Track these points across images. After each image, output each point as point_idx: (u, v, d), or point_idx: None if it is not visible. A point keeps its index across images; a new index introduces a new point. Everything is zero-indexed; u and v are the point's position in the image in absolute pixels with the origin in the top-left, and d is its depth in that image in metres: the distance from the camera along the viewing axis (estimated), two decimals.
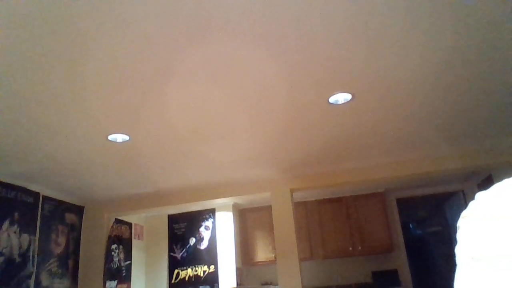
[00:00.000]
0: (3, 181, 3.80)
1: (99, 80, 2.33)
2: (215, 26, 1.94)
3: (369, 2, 1.86)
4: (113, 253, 5.19)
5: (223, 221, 5.84)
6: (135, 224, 5.95)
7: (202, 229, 5.88)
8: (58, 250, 4.48)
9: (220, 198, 5.03)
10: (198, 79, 2.43)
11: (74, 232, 4.84)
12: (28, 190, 4.10)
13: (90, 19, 1.82)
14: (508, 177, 0.54)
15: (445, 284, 6.75)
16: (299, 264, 4.54)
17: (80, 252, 4.88)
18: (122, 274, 5.35)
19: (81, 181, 4.25)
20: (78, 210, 4.96)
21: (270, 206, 4.91)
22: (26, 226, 4.01)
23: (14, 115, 2.66)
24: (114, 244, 5.25)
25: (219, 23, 1.92)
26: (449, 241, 6.90)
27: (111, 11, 1.78)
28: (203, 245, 5.80)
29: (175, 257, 5.89)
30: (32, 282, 4.00)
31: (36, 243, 4.13)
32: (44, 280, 4.20)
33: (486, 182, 5.47)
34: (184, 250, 5.87)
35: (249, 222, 6.12)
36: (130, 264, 5.61)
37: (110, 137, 3.16)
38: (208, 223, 5.87)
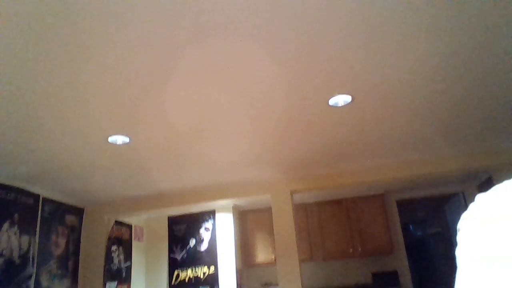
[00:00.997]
0: (3, 182, 3.79)
1: (99, 81, 2.33)
2: (215, 27, 1.95)
3: (369, 4, 1.86)
4: (113, 254, 5.18)
5: (223, 223, 5.83)
6: (135, 226, 5.94)
7: (202, 230, 5.88)
8: (58, 251, 4.48)
9: (220, 199, 5.03)
10: (198, 81, 2.43)
11: (74, 234, 4.84)
12: (28, 191, 4.10)
13: (90, 19, 1.82)
14: (508, 178, 0.54)
15: (445, 286, 6.74)
16: (299, 265, 4.54)
17: (80, 254, 4.87)
18: (122, 276, 5.35)
19: (81, 183, 4.25)
20: (78, 212, 4.96)
21: (270, 208, 4.91)
22: (26, 227, 4.00)
23: (14, 117, 2.66)
24: (114, 245, 5.25)
25: (219, 24, 1.93)
26: (449, 242, 6.89)
27: (111, 11, 1.78)
28: (203, 246, 5.80)
29: (175, 259, 5.88)
30: (32, 283, 4.00)
31: (36, 244, 4.13)
32: (44, 281, 4.19)
33: (486, 184, 5.47)
34: (184, 252, 5.87)
35: (249, 223, 6.12)
36: (130, 265, 5.61)
37: (110, 139, 3.16)
38: (208, 224, 5.86)
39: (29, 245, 4.02)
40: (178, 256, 5.87)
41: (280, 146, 3.69)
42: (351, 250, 5.77)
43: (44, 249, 4.25)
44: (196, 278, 5.69)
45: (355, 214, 5.92)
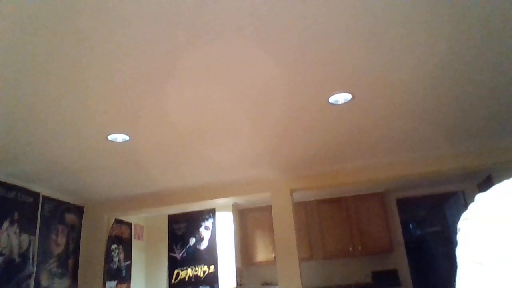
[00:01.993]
0: (3, 181, 3.79)
1: (99, 80, 2.33)
2: (215, 26, 1.94)
3: (369, 3, 1.86)
4: (113, 253, 5.19)
5: (223, 221, 5.84)
6: (135, 224, 5.95)
7: (202, 229, 5.88)
8: (58, 250, 4.48)
9: (220, 198, 5.03)
10: (198, 79, 2.43)
11: (74, 232, 4.84)
12: (28, 190, 4.10)
13: (90, 19, 1.82)
14: (508, 177, 0.54)
15: (445, 284, 6.75)
16: (299, 264, 4.54)
17: (80, 252, 4.88)
18: (122, 274, 5.35)
19: (81, 181, 4.25)
20: (78, 210, 4.96)
21: (270, 206, 4.91)
22: (26, 226, 4.01)
23: (14, 115, 2.66)
24: (114, 244, 5.25)
25: (219, 23, 1.92)
26: (449, 241, 6.90)
27: (111, 11, 1.78)
28: (203, 245, 5.80)
29: (175, 257, 5.88)
30: (32, 282, 4.00)
31: (36, 243, 4.13)
32: (44, 280, 4.20)
33: (486, 182, 5.47)
34: (184, 250, 5.87)
35: (249, 222, 6.12)
36: (130, 264, 5.61)
37: (110, 137, 3.16)
38: (208, 223, 5.87)
39: (29, 244, 4.02)
40: (178, 255, 5.88)
41: (280, 144, 3.69)
42: (351, 249, 5.77)
43: (44, 247, 4.25)
44: (196, 277, 5.69)
45: (355, 213, 5.92)
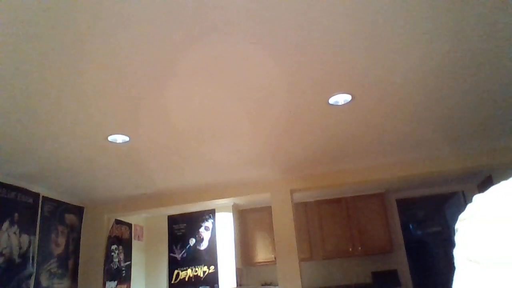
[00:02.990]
0: (3, 181, 3.79)
1: (99, 80, 2.33)
2: (216, 27, 1.95)
3: (369, 4, 1.86)
4: (113, 253, 5.19)
5: (223, 222, 5.83)
6: (135, 225, 5.95)
7: (202, 229, 5.88)
8: (58, 250, 4.48)
9: (220, 198, 5.03)
10: (198, 80, 2.43)
11: (74, 233, 4.84)
12: (28, 190, 4.10)
13: (90, 19, 1.82)
14: (508, 177, 0.54)
15: (445, 285, 6.75)
16: (299, 264, 4.54)
17: (80, 253, 4.88)
18: (122, 275, 5.35)
19: (81, 182, 4.24)
20: (78, 211, 4.96)
21: (270, 207, 4.91)
22: (26, 226, 4.00)
23: (14, 116, 2.66)
24: (114, 244, 5.25)
25: (220, 23, 1.92)
26: (449, 241, 6.90)
27: (111, 11, 1.78)
28: (203, 245, 5.80)
29: (175, 258, 5.88)
30: (32, 282, 4.00)
31: (36, 243, 4.13)
32: (44, 280, 4.19)
33: (486, 183, 5.47)
34: (184, 251, 5.87)
35: (249, 222, 6.12)
36: (130, 264, 5.61)
37: (110, 138, 3.16)
38: (208, 223, 5.87)
39: (29, 244, 4.02)
40: (178, 255, 5.88)
41: (280, 144, 3.69)
42: (351, 249, 5.77)
43: (44, 248, 4.25)
44: (196, 277, 5.69)
45: (355, 213, 5.92)
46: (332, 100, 2.84)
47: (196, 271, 5.72)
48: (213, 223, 5.84)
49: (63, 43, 1.97)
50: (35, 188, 4.21)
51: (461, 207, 6.18)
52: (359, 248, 5.75)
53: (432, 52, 2.33)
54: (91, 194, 4.73)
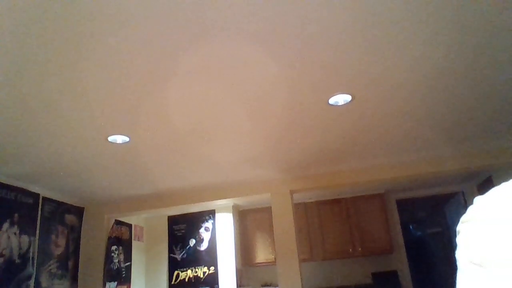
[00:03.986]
0: (3, 182, 3.79)
1: (99, 80, 2.33)
2: (216, 27, 1.95)
3: (369, 4, 1.86)
4: (113, 254, 5.18)
5: (223, 222, 5.83)
6: (135, 225, 5.94)
7: (202, 230, 5.88)
8: (58, 251, 4.48)
9: (220, 199, 5.03)
10: (198, 80, 2.43)
11: (74, 233, 4.84)
12: (28, 191, 4.10)
13: (90, 19, 1.82)
14: (508, 178, 0.54)
15: (445, 285, 6.74)
16: (299, 265, 4.54)
17: (80, 253, 4.87)
18: (122, 275, 5.35)
19: (81, 182, 4.24)
20: (78, 211, 4.96)
21: (270, 207, 4.91)
22: (26, 227, 4.00)
23: (14, 116, 2.66)
24: (114, 245, 5.24)
25: (219, 23, 1.92)
26: (449, 242, 6.89)
27: (111, 11, 1.78)
28: (203, 246, 5.80)
29: (175, 258, 5.88)
30: (32, 283, 4.00)
31: (36, 244, 4.13)
32: (44, 281, 4.19)
33: (486, 183, 5.47)
34: (184, 251, 5.87)
35: (249, 223, 6.11)
36: (130, 265, 5.60)
37: (110, 138, 3.16)
38: (208, 224, 5.86)
39: (29, 245, 4.02)
40: (178, 256, 5.88)
41: (280, 145, 3.69)
42: (351, 250, 5.77)
43: (44, 249, 4.25)
44: (196, 278, 5.69)
45: (355, 214, 5.92)
46: (332, 100, 2.84)
47: (196, 272, 5.72)
48: (213, 224, 5.84)
49: (63, 43, 1.97)
50: (35, 189, 4.21)
51: (461, 208, 6.18)
52: (359, 248, 5.75)
53: (432, 52, 2.33)
54: (91, 195, 4.73)
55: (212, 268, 5.66)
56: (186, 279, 5.73)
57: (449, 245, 6.84)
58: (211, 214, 5.88)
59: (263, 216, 6.01)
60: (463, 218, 0.53)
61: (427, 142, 3.95)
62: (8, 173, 3.74)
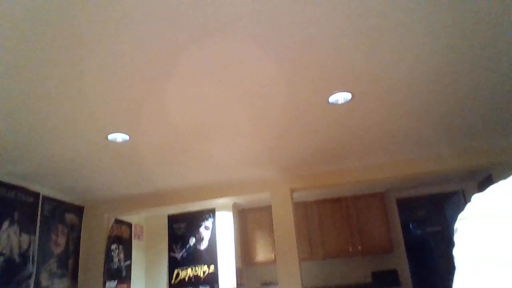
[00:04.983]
0: (3, 181, 3.79)
1: (99, 80, 2.33)
2: (215, 26, 1.94)
3: (369, 2, 1.86)
4: (113, 253, 5.19)
5: (223, 221, 5.84)
6: (135, 224, 5.95)
7: (202, 229, 5.88)
8: (58, 250, 4.48)
9: (220, 198, 5.03)
10: (198, 79, 2.43)
11: (74, 232, 4.84)
12: (28, 190, 4.10)
13: (90, 19, 1.82)
14: (508, 176, 0.54)
15: (445, 285, 6.75)
16: (299, 264, 4.54)
17: (80, 252, 4.88)
18: (122, 274, 5.35)
19: (81, 181, 4.24)
20: (78, 210, 4.96)
21: (270, 206, 4.91)
22: (26, 226, 4.00)
23: (14, 115, 2.66)
24: (114, 244, 5.25)
25: (219, 23, 1.92)
26: (449, 241, 6.90)
27: (111, 11, 1.78)
28: (203, 245, 5.80)
29: (175, 257, 5.88)
30: (32, 282, 4.00)
31: (36, 243, 4.13)
32: (44, 280, 4.19)
33: (486, 182, 5.47)
34: (184, 250, 5.87)
35: (249, 222, 6.12)
36: (130, 264, 5.61)
37: (110, 137, 3.16)
38: (208, 223, 5.87)
39: (29, 244, 4.02)
40: (178, 255, 5.88)
41: (280, 144, 3.69)
42: (351, 249, 5.77)
43: (44, 248, 4.25)
44: (196, 277, 5.69)
45: (355, 213, 5.92)
46: (332, 99, 2.84)
47: (196, 271, 5.72)
48: (213, 223, 5.84)
49: (63, 43, 1.96)
50: (35, 188, 4.21)
51: (461, 207, 6.18)
52: (359, 247, 5.75)
53: (432, 51, 2.33)
54: (91, 194, 4.73)
55: (212, 267, 5.66)
56: (186, 278, 5.73)
57: (449, 244, 6.84)
58: (211, 213, 5.88)
59: (263, 215, 6.01)
60: (461, 216, 0.53)
61: (427, 141, 3.95)
62: (8, 172, 3.74)
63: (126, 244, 5.58)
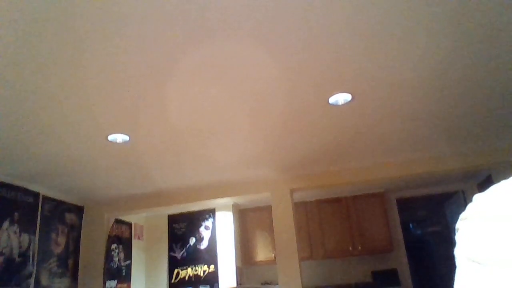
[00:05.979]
0: (3, 181, 3.79)
1: (99, 80, 2.33)
2: (215, 26, 1.94)
3: (369, 3, 1.86)
4: (113, 253, 5.19)
5: (223, 221, 5.84)
6: (135, 224, 5.95)
7: (202, 229, 5.88)
8: (58, 250, 4.48)
9: (220, 198, 5.03)
10: (198, 79, 2.43)
11: (74, 232, 4.84)
12: (28, 190, 4.10)
13: (90, 19, 1.82)
14: (508, 177, 0.54)
15: (445, 284, 6.75)
16: (299, 263, 4.54)
17: (80, 252, 4.88)
18: (122, 274, 5.35)
19: (81, 181, 4.25)
20: (78, 210, 4.96)
21: (270, 206, 4.91)
22: (26, 226, 4.01)
23: (14, 115, 2.66)
24: (114, 244, 5.25)
25: (219, 23, 1.92)
26: (449, 241, 6.90)
27: (111, 11, 1.78)
28: (203, 245, 5.80)
29: (175, 257, 5.89)
30: (32, 282, 4.00)
31: (36, 243, 4.13)
32: (44, 280, 4.20)
33: (486, 182, 5.47)
34: (184, 250, 5.87)
35: (249, 222, 6.12)
36: (130, 264, 5.61)
37: (110, 137, 3.16)
38: (208, 223, 5.87)
39: (29, 244, 4.02)
40: (178, 255, 5.88)
41: (280, 144, 3.69)
42: (351, 249, 5.77)
43: (44, 247, 4.25)
44: (196, 276, 5.70)
45: (355, 213, 5.92)
46: (332, 100, 2.84)
47: (196, 270, 5.72)
48: (213, 222, 5.85)
49: (63, 43, 1.97)
50: (35, 188, 4.21)
51: (461, 207, 6.18)
52: (359, 247, 5.75)
53: (432, 52, 2.33)
54: (91, 194, 4.73)
55: (212, 266, 5.66)
56: (186, 278, 5.73)
57: (449, 244, 6.84)
58: (211, 212, 5.88)
59: (263, 215, 6.01)
60: (462, 216, 0.53)
61: (427, 141, 3.95)
62: (8, 172, 3.74)
63: (126, 244, 5.58)
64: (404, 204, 6.39)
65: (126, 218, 5.67)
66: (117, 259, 5.28)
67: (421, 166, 4.54)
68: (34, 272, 4.06)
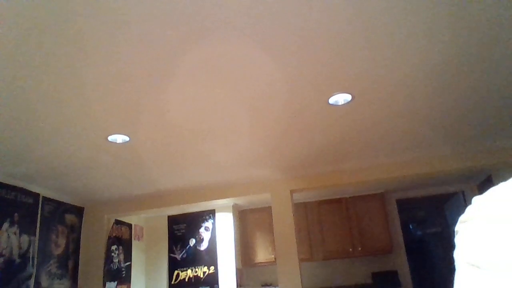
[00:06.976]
0: (3, 182, 3.79)
1: (99, 80, 2.33)
2: (215, 27, 1.94)
3: (369, 3, 1.86)
4: (113, 254, 5.18)
5: (223, 222, 5.83)
6: (135, 225, 5.94)
7: (202, 230, 5.88)
8: (58, 251, 4.48)
9: (220, 199, 5.03)
10: (198, 80, 2.43)
11: (74, 233, 4.84)
12: (28, 191, 4.10)
13: (90, 19, 1.82)
14: (508, 177, 0.54)
15: (445, 285, 6.75)
16: (299, 265, 4.54)
17: (80, 253, 4.87)
18: (122, 275, 5.35)
19: (81, 182, 4.24)
20: (78, 211, 4.96)
21: (270, 207, 4.90)
22: (26, 227, 4.00)
23: (14, 116, 2.66)
24: (114, 245, 5.25)
25: (219, 23, 1.92)
26: (449, 242, 6.89)
27: (111, 11, 1.78)
28: (203, 246, 5.80)
29: (175, 258, 5.88)
30: (32, 283, 4.00)
31: (36, 244, 4.13)
32: (44, 281, 4.19)
33: (486, 183, 5.47)
34: (184, 251, 5.87)
35: (249, 223, 6.11)
36: (130, 265, 5.61)
37: (110, 138, 3.16)
38: (208, 224, 5.86)
39: (29, 245, 4.02)
40: (178, 256, 5.88)
41: (280, 145, 3.69)
42: (351, 250, 5.77)
43: (44, 248, 4.25)
44: (196, 277, 5.69)
45: (355, 213, 5.91)
46: (332, 100, 2.84)
47: (196, 272, 5.72)
48: (213, 224, 5.84)
49: (63, 43, 1.97)
50: (35, 188, 4.21)
51: (461, 207, 6.18)
52: (359, 248, 5.75)
53: (432, 52, 2.33)
54: (91, 195, 4.73)
55: (212, 267, 5.66)
56: (186, 279, 5.73)
57: (449, 245, 6.84)
58: (211, 213, 5.88)
59: (263, 216, 6.01)
60: (461, 218, 0.53)
61: (427, 142, 3.95)
62: (8, 172, 3.74)
63: (126, 245, 5.58)
64: (404, 205, 6.39)
65: (126, 219, 5.66)
66: (117, 260, 5.27)
67: (421, 166, 4.54)
68: (34, 273, 4.05)
